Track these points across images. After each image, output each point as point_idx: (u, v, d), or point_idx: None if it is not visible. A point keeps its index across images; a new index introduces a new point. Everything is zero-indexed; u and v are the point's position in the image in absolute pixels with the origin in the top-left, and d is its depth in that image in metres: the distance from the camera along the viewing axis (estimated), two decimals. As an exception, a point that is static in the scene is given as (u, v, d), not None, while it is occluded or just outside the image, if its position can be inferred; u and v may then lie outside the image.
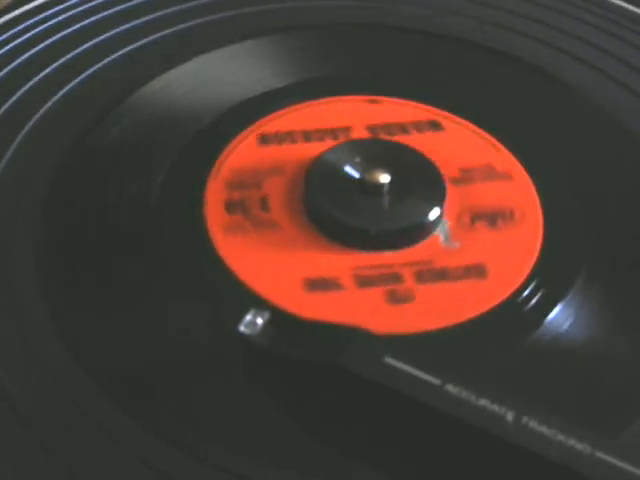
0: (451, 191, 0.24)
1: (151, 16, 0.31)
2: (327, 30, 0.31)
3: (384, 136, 0.26)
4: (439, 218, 0.24)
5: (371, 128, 0.26)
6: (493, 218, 0.24)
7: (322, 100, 0.27)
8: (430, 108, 0.27)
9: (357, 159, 0.24)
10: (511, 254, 0.23)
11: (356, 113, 0.27)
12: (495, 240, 0.23)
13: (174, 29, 0.30)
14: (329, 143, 0.26)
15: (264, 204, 0.24)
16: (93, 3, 0.31)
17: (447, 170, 0.25)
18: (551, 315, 0.22)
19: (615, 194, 0.26)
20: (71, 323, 0.21)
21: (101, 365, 0.20)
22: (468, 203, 0.24)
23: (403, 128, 0.27)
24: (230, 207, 0.24)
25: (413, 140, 0.26)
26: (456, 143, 0.26)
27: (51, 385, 0.20)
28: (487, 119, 0.27)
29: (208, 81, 0.28)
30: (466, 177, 0.25)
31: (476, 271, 0.23)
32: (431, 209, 0.23)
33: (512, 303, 0.22)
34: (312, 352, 0.19)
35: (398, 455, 0.19)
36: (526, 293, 0.22)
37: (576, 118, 0.28)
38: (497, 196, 0.25)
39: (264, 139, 0.26)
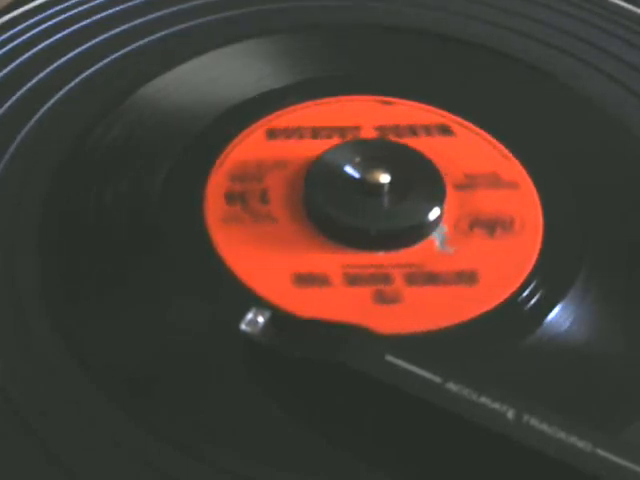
0: (453, 196, 0.24)
1: (151, 16, 0.31)
2: (327, 30, 0.31)
3: (393, 137, 0.26)
4: (439, 219, 0.24)
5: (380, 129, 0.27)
6: (493, 219, 0.24)
7: (331, 99, 0.28)
8: (443, 112, 0.27)
9: (357, 159, 0.24)
10: (513, 253, 0.23)
11: (366, 113, 0.27)
12: (496, 238, 0.24)
13: (174, 29, 0.30)
14: (336, 141, 0.26)
15: (264, 203, 0.24)
16: (93, 3, 0.31)
17: (452, 175, 0.25)
18: (551, 315, 0.22)
19: (615, 195, 0.26)
20: (71, 322, 0.21)
21: (101, 364, 0.20)
22: (469, 209, 0.24)
23: (413, 130, 0.26)
24: (230, 206, 0.24)
25: (421, 143, 0.26)
26: (463, 148, 0.26)
27: (51, 384, 0.20)
28: (487, 119, 0.27)
29: (208, 81, 0.28)
30: (470, 183, 0.25)
31: (478, 270, 0.23)
32: (431, 209, 0.23)
33: (512, 303, 0.22)
34: (313, 350, 0.19)
35: (400, 453, 0.19)
36: (526, 293, 0.22)
37: (576, 118, 0.28)
38: (498, 197, 0.25)
39: (265, 139, 0.26)
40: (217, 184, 0.24)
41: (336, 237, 0.23)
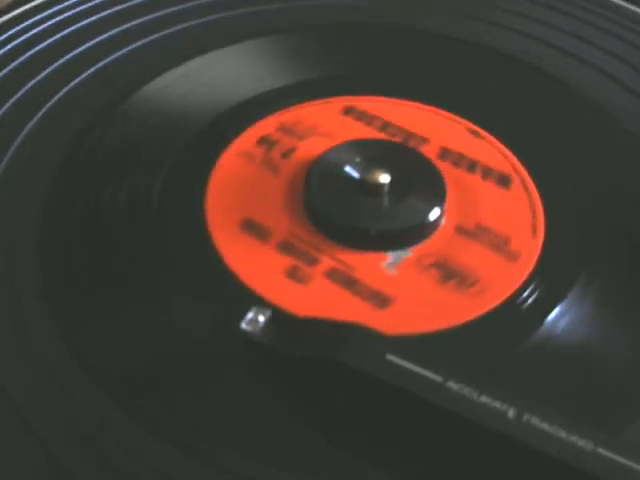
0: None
1: (151, 16, 0.31)
2: (327, 30, 0.31)
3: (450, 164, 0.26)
4: (439, 219, 0.24)
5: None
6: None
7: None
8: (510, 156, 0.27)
9: (357, 159, 0.24)
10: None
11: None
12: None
13: (174, 29, 0.30)
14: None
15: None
16: (93, 3, 0.31)
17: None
18: (551, 316, 0.22)
19: (615, 194, 0.26)
20: (72, 322, 0.21)
21: (101, 364, 0.20)
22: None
23: (472, 166, 0.26)
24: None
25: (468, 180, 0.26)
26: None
27: (51, 384, 0.20)
28: (486, 119, 0.27)
29: (208, 81, 0.28)
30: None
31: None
32: (431, 209, 0.23)
33: (512, 303, 0.22)
34: (314, 349, 0.19)
35: (400, 452, 0.19)
36: (526, 293, 0.22)
37: (576, 118, 0.28)
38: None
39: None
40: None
41: (336, 237, 0.23)
